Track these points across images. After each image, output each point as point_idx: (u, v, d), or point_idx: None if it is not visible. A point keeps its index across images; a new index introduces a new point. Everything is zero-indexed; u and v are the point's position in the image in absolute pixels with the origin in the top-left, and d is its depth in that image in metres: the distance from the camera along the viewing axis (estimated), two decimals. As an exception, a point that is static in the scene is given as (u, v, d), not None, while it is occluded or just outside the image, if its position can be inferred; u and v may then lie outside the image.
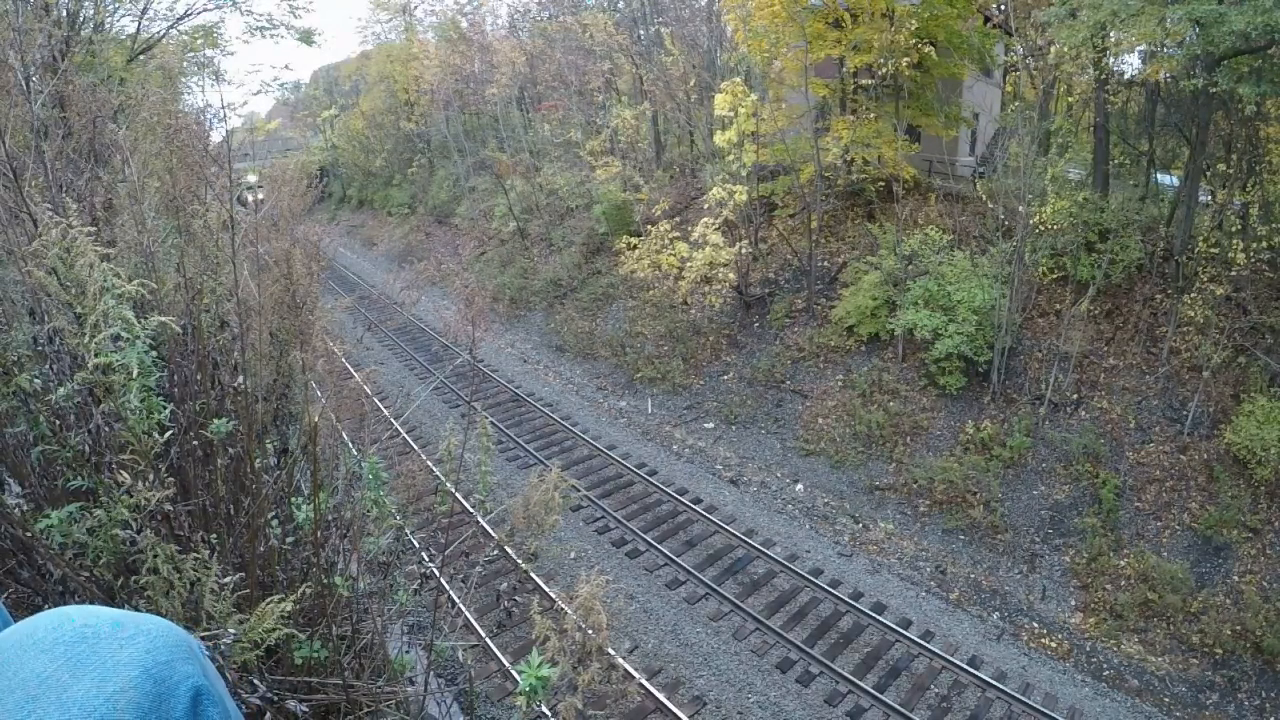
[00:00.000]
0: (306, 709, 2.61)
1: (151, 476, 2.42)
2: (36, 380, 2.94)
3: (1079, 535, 13.59)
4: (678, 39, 28.92)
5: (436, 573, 4.28)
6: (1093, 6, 13.24)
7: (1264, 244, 14.48)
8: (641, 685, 9.87)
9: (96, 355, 2.23)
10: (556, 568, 12.95)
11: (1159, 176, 18.71)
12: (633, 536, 13.95)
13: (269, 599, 2.37)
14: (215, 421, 3.01)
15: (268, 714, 2.53)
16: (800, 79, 20.41)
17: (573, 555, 13.44)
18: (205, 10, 13.69)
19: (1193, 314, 14.84)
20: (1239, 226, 15.55)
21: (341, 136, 51.38)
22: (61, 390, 2.74)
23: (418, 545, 8.36)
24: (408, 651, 3.96)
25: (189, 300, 3.45)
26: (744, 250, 21.33)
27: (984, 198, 17.93)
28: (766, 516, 15.13)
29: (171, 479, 2.56)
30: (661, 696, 9.83)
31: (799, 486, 16.23)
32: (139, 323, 2.32)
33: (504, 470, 16.21)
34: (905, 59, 18.65)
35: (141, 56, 12.93)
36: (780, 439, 17.65)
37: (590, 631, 2.58)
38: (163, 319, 2.38)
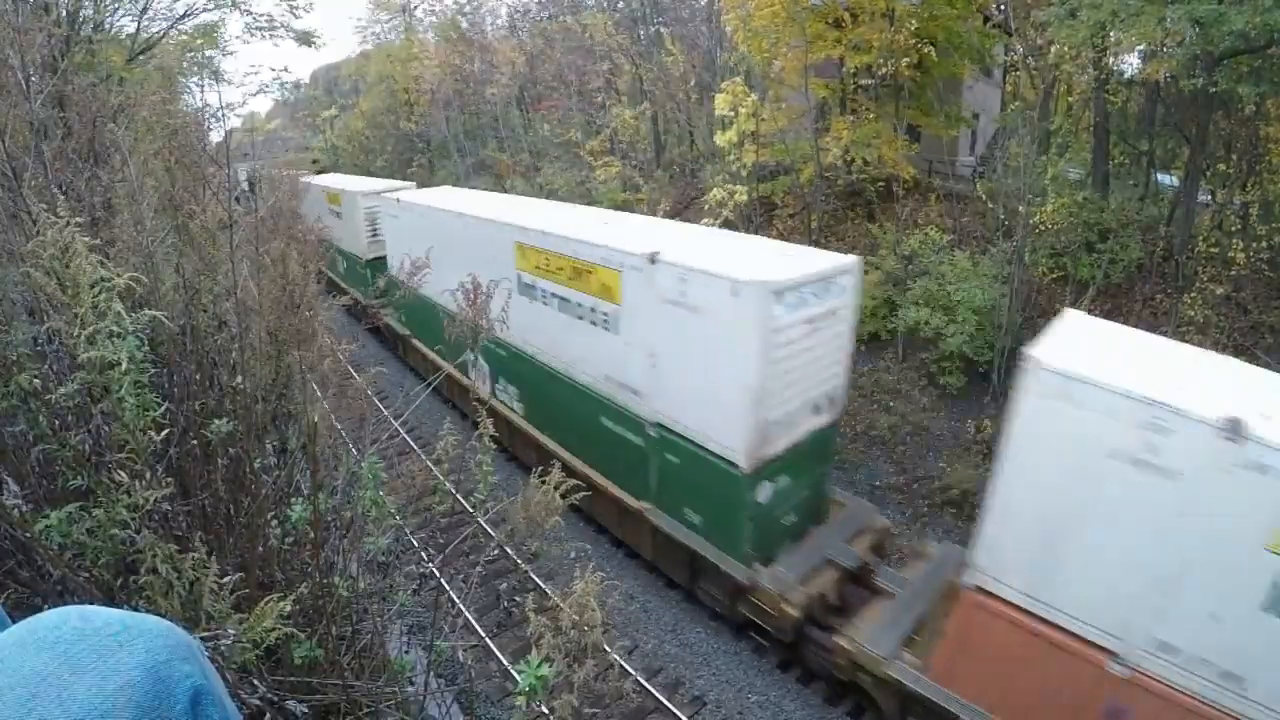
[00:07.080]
0: (306, 709, 2.61)
1: (148, 475, 2.41)
2: (36, 380, 2.93)
3: (1079, 535, 13.57)
4: (678, 39, 28.92)
5: (436, 573, 4.28)
6: (1093, 6, 13.24)
7: (1264, 244, 14.46)
8: (643, 685, 9.86)
9: (87, 350, 2.22)
10: (557, 567, 12.93)
11: (1159, 176, 18.70)
12: (633, 536, 13.89)
13: (268, 598, 2.37)
14: (214, 422, 3.01)
15: (267, 714, 2.52)
16: (800, 79, 20.42)
17: (572, 555, 13.41)
18: (205, 10, 13.72)
19: (1193, 314, 14.82)
20: (1239, 226, 15.54)
21: (341, 137, 51.41)
22: (62, 390, 2.74)
23: (416, 545, 8.35)
24: (407, 652, 3.95)
25: (187, 300, 3.45)
26: (744, 250, 21.30)
27: (984, 198, 17.93)
28: (766, 516, 15.10)
29: (170, 479, 2.55)
30: (661, 697, 9.83)
31: (799, 486, 16.21)
32: (129, 316, 2.31)
33: (505, 470, 16.19)
34: (905, 59, 18.67)
35: (141, 56, 12.92)
36: (780, 439, 17.62)
37: (586, 628, 2.58)
38: (153, 313, 2.37)
